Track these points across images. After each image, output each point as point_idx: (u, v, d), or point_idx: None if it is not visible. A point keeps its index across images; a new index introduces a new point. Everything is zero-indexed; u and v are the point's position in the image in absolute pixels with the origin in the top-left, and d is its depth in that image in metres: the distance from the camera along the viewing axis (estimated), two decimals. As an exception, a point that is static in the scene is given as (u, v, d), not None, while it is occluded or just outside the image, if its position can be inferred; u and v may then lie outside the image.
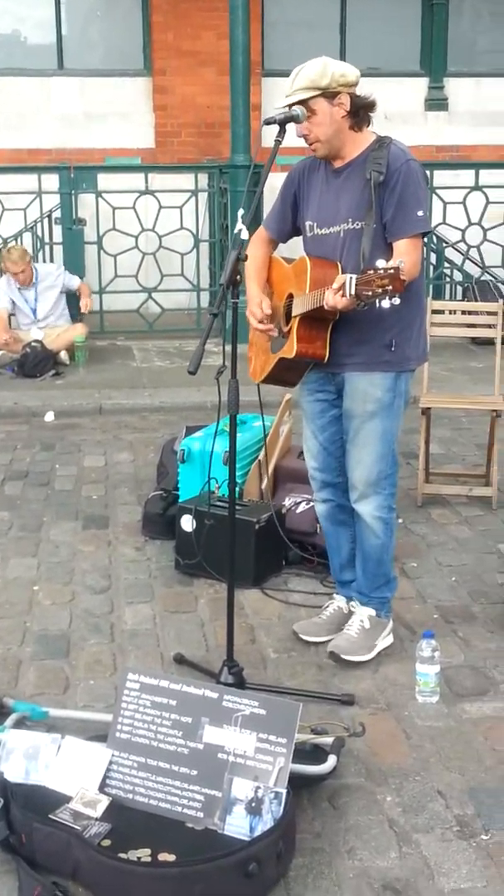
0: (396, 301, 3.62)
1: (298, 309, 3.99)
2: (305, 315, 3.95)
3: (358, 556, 4.32)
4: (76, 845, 3.00)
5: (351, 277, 3.65)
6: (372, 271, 3.60)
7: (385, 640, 4.32)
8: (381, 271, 3.57)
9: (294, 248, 4.31)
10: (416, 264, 3.91)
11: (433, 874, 3.06)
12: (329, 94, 3.88)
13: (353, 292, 3.64)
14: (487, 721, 3.83)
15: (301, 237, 4.22)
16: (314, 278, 3.94)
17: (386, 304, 3.62)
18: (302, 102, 3.88)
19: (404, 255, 3.83)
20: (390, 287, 3.56)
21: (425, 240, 4.22)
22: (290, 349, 4.04)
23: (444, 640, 4.33)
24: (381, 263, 3.61)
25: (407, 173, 3.90)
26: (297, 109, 3.86)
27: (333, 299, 3.73)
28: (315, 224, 4.09)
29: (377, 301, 3.61)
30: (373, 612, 4.29)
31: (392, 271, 3.56)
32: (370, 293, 3.59)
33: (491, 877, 3.04)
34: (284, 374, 4.21)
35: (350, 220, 3.96)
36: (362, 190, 3.93)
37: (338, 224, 4.00)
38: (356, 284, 3.63)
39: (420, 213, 3.94)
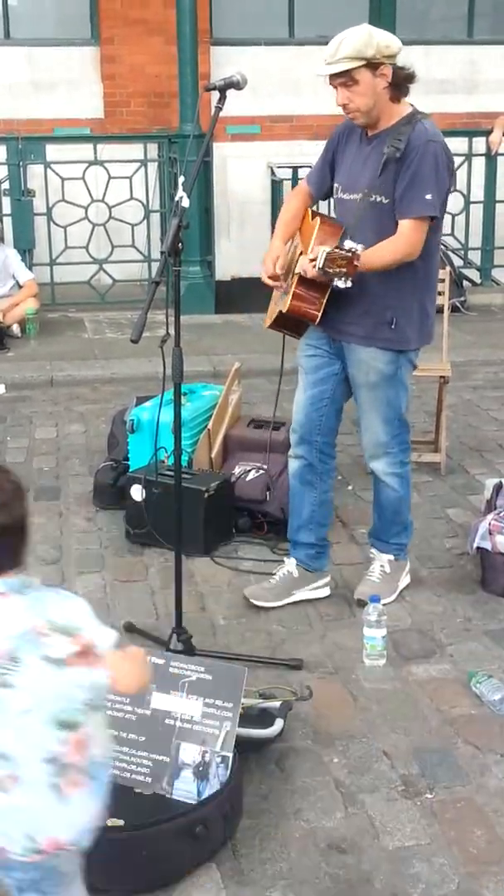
0: (348, 284, 3.64)
1: (298, 267, 4.02)
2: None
3: (375, 507, 4.48)
4: (24, 812, 3.01)
5: (324, 251, 3.66)
6: (339, 250, 3.61)
7: (405, 580, 4.53)
8: (343, 251, 3.59)
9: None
10: (412, 245, 3.90)
11: (378, 833, 3.11)
12: (373, 65, 3.85)
13: (320, 265, 3.65)
14: (433, 683, 3.88)
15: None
16: (318, 239, 3.97)
17: (341, 284, 3.65)
18: (346, 73, 3.84)
19: (403, 234, 3.87)
20: (344, 270, 3.58)
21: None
22: (285, 304, 4.08)
23: (392, 605, 4.38)
24: (348, 244, 3.62)
25: (424, 153, 3.88)
26: (237, 76, 3.82)
27: (303, 267, 3.82)
28: (340, 187, 4.13)
29: (335, 280, 3.64)
30: (392, 557, 4.46)
31: (349, 254, 3.57)
32: (331, 271, 3.62)
33: (434, 834, 3.10)
34: (287, 325, 4.27)
35: (366, 189, 3.97)
36: (380, 163, 3.93)
37: (357, 191, 4.01)
38: (325, 259, 3.63)
39: (429, 196, 3.89)
